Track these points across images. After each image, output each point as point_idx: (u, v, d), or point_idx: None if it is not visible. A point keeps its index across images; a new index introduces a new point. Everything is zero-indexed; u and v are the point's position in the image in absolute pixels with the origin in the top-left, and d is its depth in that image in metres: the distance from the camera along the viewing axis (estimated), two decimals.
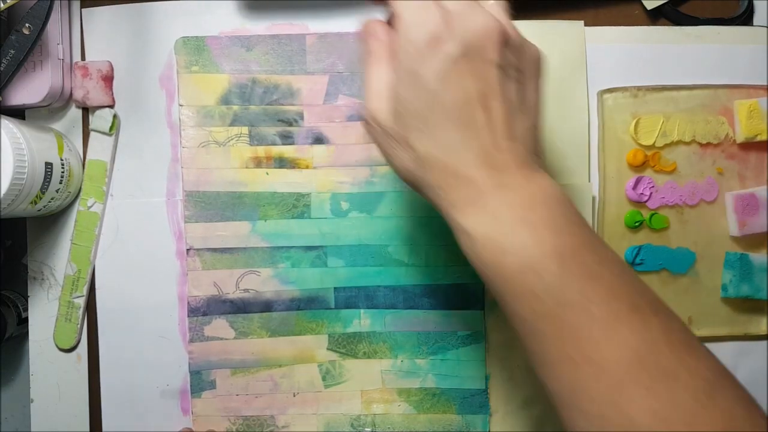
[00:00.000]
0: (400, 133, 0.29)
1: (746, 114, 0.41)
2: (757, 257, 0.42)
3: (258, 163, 0.42)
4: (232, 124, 0.42)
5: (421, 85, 0.27)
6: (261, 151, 0.42)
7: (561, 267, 0.26)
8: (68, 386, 0.44)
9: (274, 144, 0.42)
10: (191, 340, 0.42)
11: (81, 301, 0.43)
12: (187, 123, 0.42)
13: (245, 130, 0.42)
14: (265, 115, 0.42)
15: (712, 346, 0.42)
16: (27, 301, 0.44)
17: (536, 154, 0.29)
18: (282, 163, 0.42)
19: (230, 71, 0.42)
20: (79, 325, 0.43)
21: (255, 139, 0.42)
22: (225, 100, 0.42)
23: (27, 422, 0.44)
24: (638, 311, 0.26)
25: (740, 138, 0.42)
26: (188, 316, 0.43)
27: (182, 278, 0.43)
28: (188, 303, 0.42)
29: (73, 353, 0.44)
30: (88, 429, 0.43)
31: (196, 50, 0.42)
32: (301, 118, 0.42)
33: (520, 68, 0.29)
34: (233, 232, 0.42)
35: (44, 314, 0.43)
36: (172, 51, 0.42)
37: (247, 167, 0.42)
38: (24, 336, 0.45)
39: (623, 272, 0.27)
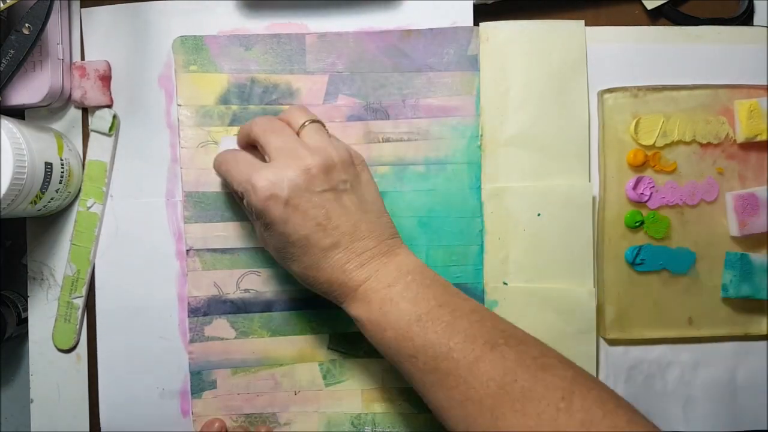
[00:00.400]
0: (284, 262, 0.36)
1: (746, 114, 0.41)
2: (758, 257, 0.42)
3: None
4: (231, 124, 0.42)
5: (274, 230, 0.34)
6: None
7: (423, 329, 0.32)
8: (68, 386, 0.43)
9: None
10: (191, 341, 0.42)
11: (80, 302, 0.43)
12: (186, 123, 0.42)
13: None
14: (264, 115, 0.42)
15: (713, 346, 0.43)
16: (27, 302, 0.44)
17: (390, 235, 0.36)
18: None
19: (229, 71, 0.42)
20: (78, 326, 0.43)
21: None
22: (224, 100, 0.42)
23: (27, 422, 0.44)
24: (494, 347, 0.31)
25: (740, 138, 0.42)
26: (188, 316, 0.42)
27: (182, 279, 0.43)
28: (188, 303, 0.42)
29: (73, 353, 0.44)
30: (87, 429, 0.43)
31: (194, 50, 0.42)
32: None
33: (349, 177, 0.35)
34: (233, 233, 0.42)
35: (44, 314, 0.43)
36: (171, 51, 0.42)
37: None
38: (24, 336, 0.45)
39: (478, 318, 0.32)
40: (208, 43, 0.42)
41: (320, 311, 0.42)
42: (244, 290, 0.42)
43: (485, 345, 0.31)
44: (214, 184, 0.42)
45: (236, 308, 0.42)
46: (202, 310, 0.42)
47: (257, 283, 0.42)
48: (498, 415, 0.29)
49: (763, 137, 0.41)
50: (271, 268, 0.42)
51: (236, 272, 0.42)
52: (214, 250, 0.42)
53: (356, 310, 0.34)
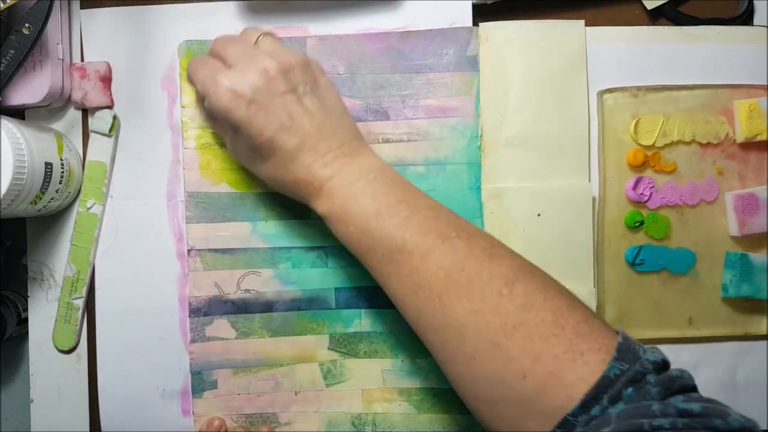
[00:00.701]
0: (252, 166, 0.38)
1: (746, 114, 0.41)
2: (758, 257, 0.42)
3: None
4: None
5: (240, 133, 0.35)
6: None
7: (381, 223, 0.34)
8: (68, 386, 0.44)
9: None
10: (192, 341, 0.43)
11: (80, 303, 0.43)
12: (190, 124, 0.42)
13: None
14: None
15: (713, 346, 0.43)
16: (27, 302, 0.44)
17: (354, 137, 0.37)
18: None
19: None
20: (78, 327, 0.43)
21: None
22: None
23: (27, 422, 0.44)
24: (446, 240, 0.33)
25: (740, 138, 0.42)
26: (189, 316, 0.43)
27: (183, 279, 0.43)
28: (189, 303, 0.43)
29: (73, 354, 0.44)
30: (87, 429, 0.44)
31: (199, 53, 0.42)
32: None
33: (307, 78, 0.36)
34: (234, 233, 0.42)
35: (44, 315, 0.43)
36: (175, 53, 0.42)
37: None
38: (24, 336, 0.45)
39: (434, 214, 0.34)
40: None
41: (320, 312, 0.43)
42: (245, 290, 0.42)
43: (437, 237, 0.33)
44: (216, 185, 0.42)
45: (237, 308, 0.42)
46: (203, 311, 0.42)
47: (258, 283, 0.42)
48: (445, 300, 0.31)
49: (763, 137, 0.41)
50: (272, 268, 0.42)
51: (237, 272, 0.42)
52: (216, 251, 0.42)
53: (321, 206, 0.36)
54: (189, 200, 0.42)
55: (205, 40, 0.42)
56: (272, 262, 0.42)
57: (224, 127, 0.37)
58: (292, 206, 0.42)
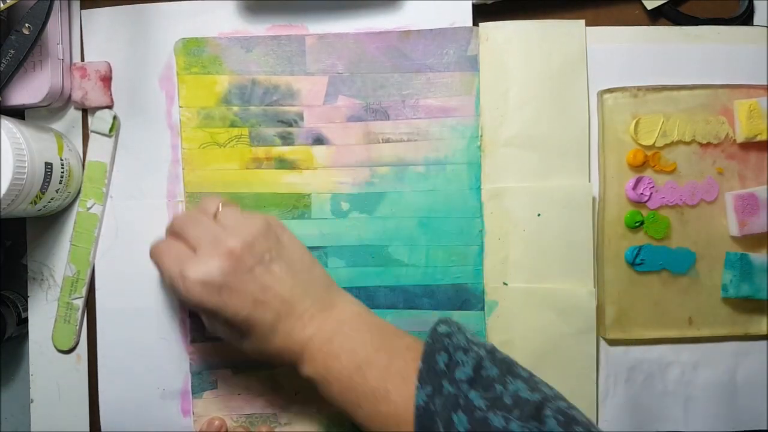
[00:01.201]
0: (235, 344, 0.37)
1: (746, 114, 0.41)
2: (758, 257, 0.42)
3: (258, 164, 0.42)
4: (232, 126, 0.42)
5: (218, 318, 0.34)
6: (261, 152, 0.42)
7: (363, 378, 0.33)
8: (68, 386, 0.44)
9: (274, 145, 0.42)
10: (192, 341, 0.42)
11: (80, 303, 0.43)
12: (188, 124, 0.42)
13: (245, 131, 0.42)
14: (265, 116, 0.42)
15: (713, 346, 0.43)
16: (27, 302, 0.44)
17: (326, 287, 0.37)
18: (282, 163, 0.42)
19: (230, 72, 0.42)
20: (77, 327, 0.43)
21: (255, 140, 0.42)
22: (225, 101, 0.42)
23: (27, 422, 0.44)
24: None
25: (740, 138, 0.42)
26: (189, 316, 0.43)
27: None
28: None
29: (73, 353, 0.44)
30: (87, 429, 0.44)
31: (196, 51, 0.42)
32: (301, 118, 0.42)
33: (271, 244, 0.35)
34: None
35: (44, 315, 0.43)
36: (172, 52, 0.42)
37: (247, 168, 0.42)
38: (24, 336, 0.45)
39: (413, 356, 0.33)
40: (209, 45, 0.42)
41: None
42: None
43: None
44: (215, 185, 0.42)
45: None
46: None
47: None
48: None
49: (763, 137, 0.41)
50: None
51: None
52: None
53: (306, 370, 0.35)
54: (188, 201, 0.42)
55: (201, 37, 0.42)
56: None
57: (198, 312, 0.37)
58: (291, 206, 0.42)
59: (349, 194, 0.42)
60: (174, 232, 0.37)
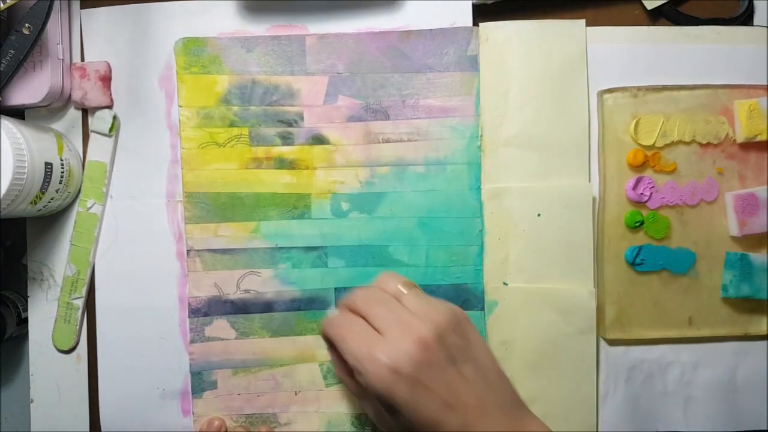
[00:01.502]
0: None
1: (746, 114, 0.41)
2: (758, 257, 0.42)
3: (258, 164, 0.42)
4: (232, 125, 0.42)
5: (402, 414, 0.31)
6: (261, 152, 0.42)
7: None
8: (68, 386, 0.44)
9: (274, 145, 0.42)
10: (192, 341, 0.42)
11: (80, 303, 0.43)
12: (187, 124, 0.42)
13: (245, 131, 0.42)
14: (265, 116, 0.42)
15: (713, 346, 0.43)
16: (27, 302, 0.44)
17: (515, 404, 0.34)
18: (282, 163, 0.42)
19: (230, 72, 0.42)
20: (77, 327, 0.43)
21: (255, 140, 0.42)
22: (225, 101, 0.42)
23: (27, 422, 0.44)
24: None
25: (740, 138, 0.42)
26: (189, 316, 0.43)
27: (182, 279, 0.43)
28: (189, 304, 0.42)
29: (73, 354, 0.44)
30: (87, 429, 0.44)
31: (196, 51, 0.42)
32: (301, 118, 0.42)
33: (460, 339, 0.33)
34: (233, 233, 0.42)
35: (44, 315, 0.43)
36: (172, 52, 0.42)
37: (247, 168, 0.42)
38: (24, 336, 0.45)
39: None
40: (209, 45, 0.42)
41: (320, 312, 0.42)
42: (245, 291, 0.42)
43: None
44: (214, 185, 0.42)
45: (237, 309, 0.42)
46: (203, 311, 0.42)
47: (257, 283, 0.42)
48: None
49: (763, 137, 0.41)
50: (271, 268, 0.42)
51: (236, 273, 0.42)
52: (215, 251, 0.42)
53: None
54: (187, 200, 0.42)
55: (201, 37, 0.42)
56: (272, 262, 0.42)
57: (376, 403, 0.33)
58: (291, 206, 0.42)
59: (349, 194, 0.42)
60: (354, 309, 0.34)
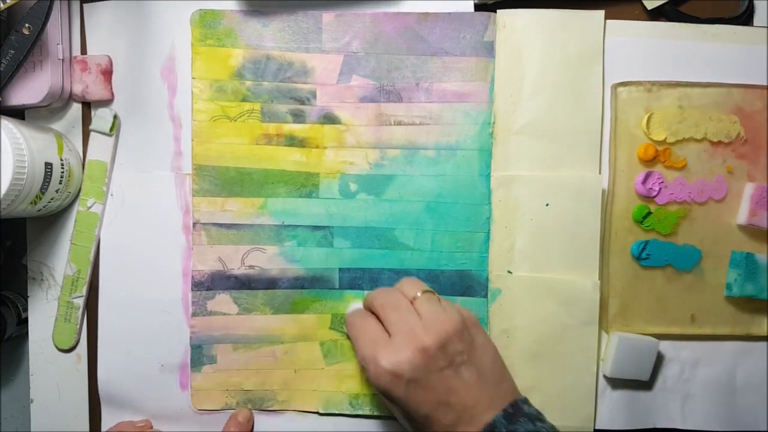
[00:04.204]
0: (406, 426, 0.37)
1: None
2: (763, 257, 0.42)
3: (269, 140, 0.42)
4: (244, 100, 0.42)
5: (398, 406, 0.35)
6: (272, 128, 0.42)
7: None
8: (68, 386, 0.44)
9: (285, 122, 0.42)
10: (194, 314, 0.42)
11: (80, 302, 0.43)
12: (200, 96, 0.42)
13: (257, 106, 0.42)
14: (277, 92, 0.42)
15: (713, 345, 0.43)
16: (27, 302, 0.44)
17: (511, 401, 0.35)
18: (292, 141, 0.42)
19: (245, 46, 0.42)
20: (78, 326, 0.43)
21: (267, 116, 0.42)
22: (238, 75, 0.42)
23: (27, 422, 0.44)
24: None
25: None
26: (192, 290, 0.42)
27: (187, 252, 0.43)
28: (192, 277, 0.42)
29: (73, 353, 0.44)
30: (87, 429, 0.44)
31: (212, 23, 0.42)
32: (314, 96, 0.42)
33: (464, 347, 0.35)
34: (240, 209, 0.42)
35: (44, 314, 0.43)
36: (173, 43, 0.42)
37: (257, 144, 0.42)
38: (24, 336, 0.45)
39: None
40: (225, 18, 0.42)
41: (324, 291, 0.42)
42: (249, 266, 0.42)
43: None
44: (224, 159, 0.42)
45: (240, 284, 0.42)
46: (206, 285, 0.42)
47: (262, 260, 0.42)
48: None
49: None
50: (277, 245, 0.42)
51: (242, 248, 0.42)
52: (221, 225, 0.42)
53: None
54: (196, 173, 0.42)
55: (218, 10, 0.42)
56: (277, 239, 0.42)
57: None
58: (300, 184, 0.42)
59: (358, 175, 0.42)
60: (372, 308, 0.38)
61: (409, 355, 0.34)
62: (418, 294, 0.37)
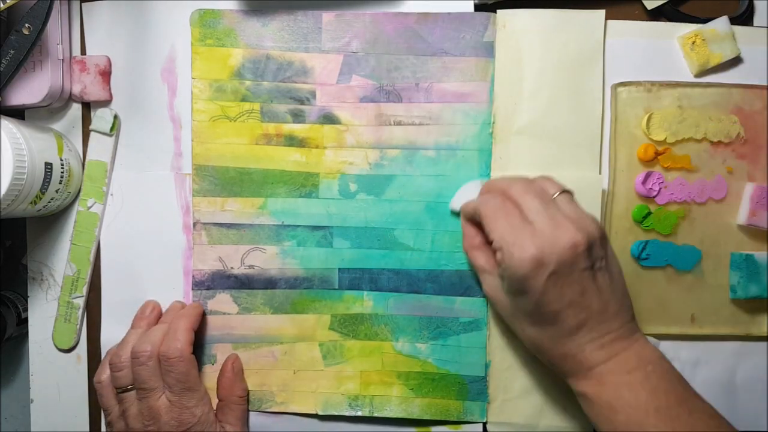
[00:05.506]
0: (515, 322, 0.37)
1: (689, 46, 0.42)
2: (762, 256, 0.42)
3: (268, 140, 0.42)
4: (243, 100, 0.42)
5: (526, 298, 0.34)
6: (272, 128, 0.42)
7: (661, 421, 0.32)
8: (68, 386, 0.44)
9: (285, 122, 0.42)
10: None
11: (80, 302, 0.43)
12: (199, 96, 0.42)
13: (257, 106, 0.42)
14: (277, 92, 0.42)
15: (714, 345, 0.43)
16: (27, 302, 0.44)
17: (630, 318, 0.36)
18: (292, 141, 0.42)
19: (244, 46, 0.42)
20: (78, 326, 0.43)
21: (266, 116, 0.42)
22: (238, 75, 0.42)
23: (27, 422, 0.44)
24: None
25: (694, 71, 0.42)
26: (192, 289, 0.42)
27: (188, 252, 0.43)
28: (193, 276, 0.42)
29: (73, 353, 0.44)
30: (87, 429, 0.44)
31: (211, 23, 0.42)
32: (314, 96, 0.42)
33: (604, 253, 0.35)
34: (240, 209, 0.42)
35: (44, 314, 0.43)
36: (173, 43, 0.42)
37: (257, 144, 0.42)
38: (24, 336, 0.45)
39: (716, 424, 0.33)
40: (225, 17, 0.42)
41: (323, 291, 0.42)
42: (249, 266, 0.42)
43: None
44: (224, 159, 0.42)
45: (240, 284, 0.42)
46: (206, 284, 0.42)
47: (262, 259, 0.42)
48: None
49: (715, 61, 0.42)
50: (276, 245, 0.42)
51: (242, 248, 0.42)
52: (221, 225, 0.42)
53: (586, 387, 0.35)
54: (196, 173, 0.42)
55: (217, 9, 0.42)
56: (277, 239, 0.42)
57: (498, 282, 0.36)
58: (299, 184, 0.42)
59: (358, 175, 0.42)
60: (509, 195, 0.36)
61: (560, 247, 0.33)
62: (557, 193, 0.36)
